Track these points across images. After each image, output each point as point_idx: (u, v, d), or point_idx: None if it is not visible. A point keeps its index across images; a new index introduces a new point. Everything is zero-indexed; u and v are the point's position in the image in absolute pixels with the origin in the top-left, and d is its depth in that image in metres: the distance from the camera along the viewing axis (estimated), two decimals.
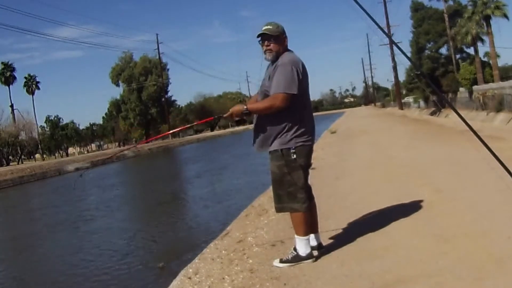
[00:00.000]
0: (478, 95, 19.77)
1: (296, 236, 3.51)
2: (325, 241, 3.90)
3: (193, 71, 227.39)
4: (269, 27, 3.40)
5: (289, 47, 3.52)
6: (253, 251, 4.17)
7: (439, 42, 28.29)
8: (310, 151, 3.51)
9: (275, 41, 3.40)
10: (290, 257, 3.54)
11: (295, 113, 3.37)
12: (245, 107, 3.39)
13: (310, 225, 3.54)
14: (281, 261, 3.58)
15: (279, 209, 3.55)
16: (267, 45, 3.42)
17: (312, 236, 3.61)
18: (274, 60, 3.43)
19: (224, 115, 3.53)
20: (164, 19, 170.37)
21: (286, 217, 4.07)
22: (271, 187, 3.68)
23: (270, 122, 3.40)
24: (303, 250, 3.49)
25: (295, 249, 3.53)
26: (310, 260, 3.49)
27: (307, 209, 3.46)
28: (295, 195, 3.40)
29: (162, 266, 5.80)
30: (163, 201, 12.53)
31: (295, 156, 3.36)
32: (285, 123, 3.36)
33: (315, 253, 3.58)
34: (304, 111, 3.42)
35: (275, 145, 3.40)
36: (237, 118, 3.49)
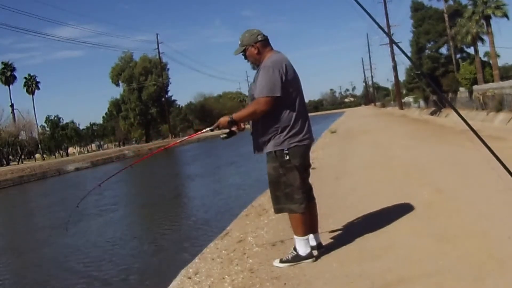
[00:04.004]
0: (478, 95, 19.75)
1: (295, 236, 3.52)
2: (325, 241, 3.89)
3: (193, 71, 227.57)
4: (238, 43, 3.53)
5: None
6: (253, 251, 4.17)
7: (439, 42, 28.28)
8: (305, 151, 3.48)
9: (249, 52, 3.50)
10: (290, 257, 3.54)
11: (286, 114, 3.37)
12: (230, 116, 3.39)
13: (309, 225, 3.53)
14: (281, 261, 3.58)
15: (277, 210, 3.57)
16: (245, 58, 3.56)
17: (311, 236, 3.61)
18: (259, 65, 3.48)
19: (212, 127, 3.55)
20: (164, 19, 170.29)
21: (286, 217, 4.06)
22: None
23: (263, 124, 3.41)
24: (303, 250, 3.49)
25: (295, 249, 3.54)
26: (310, 260, 3.49)
27: (305, 210, 3.45)
28: (292, 196, 3.41)
29: None
30: (165, 199, 12.55)
31: (288, 157, 3.36)
32: (278, 124, 3.37)
33: (315, 252, 3.58)
34: (296, 111, 3.40)
35: (270, 147, 3.41)
36: (225, 130, 3.46)
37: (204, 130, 3.79)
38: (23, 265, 7.65)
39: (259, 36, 3.47)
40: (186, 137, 4.82)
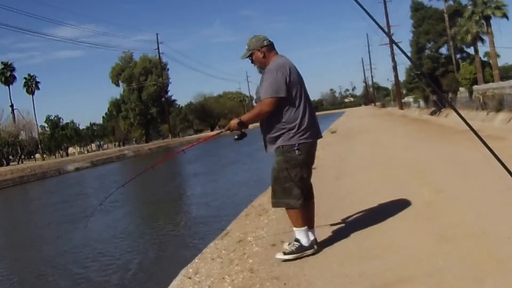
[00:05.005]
0: (478, 95, 19.75)
1: (295, 228, 3.64)
2: (325, 241, 3.91)
3: (193, 71, 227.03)
4: (246, 48, 3.72)
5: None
6: (253, 251, 4.17)
7: (439, 42, 28.27)
8: (312, 147, 3.66)
9: (255, 56, 3.70)
10: (294, 248, 3.63)
11: (293, 113, 3.53)
12: (239, 118, 3.61)
13: (306, 218, 3.67)
14: (285, 254, 3.65)
15: (274, 204, 3.72)
16: (252, 62, 3.75)
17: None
18: (264, 68, 3.68)
19: (224, 130, 3.78)
20: (164, 19, 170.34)
21: (287, 217, 4.07)
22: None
23: (273, 124, 3.57)
24: (305, 240, 3.61)
25: (297, 241, 3.63)
26: (312, 250, 3.61)
27: (302, 205, 3.58)
28: (291, 191, 3.54)
29: None
30: (167, 198, 12.54)
31: (297, 152, 3.52)
32: (286, 123, 3.53)
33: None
34: (302, 109, 3.56)
35: (278, 143, 3.57)
36: (236, 131, 3.64)
37: (217, 132, 4.12)
38: (20, 264, 7.65)
39: (265, 42, 3.68)
40: (208, 135, 5.07)
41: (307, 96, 3.69)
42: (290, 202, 3.55)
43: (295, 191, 3.53)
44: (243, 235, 4.91)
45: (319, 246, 3.75)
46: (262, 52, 3.65)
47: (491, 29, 23.20)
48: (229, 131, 3.70)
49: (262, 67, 3.71)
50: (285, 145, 3.52)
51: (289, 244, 3.71)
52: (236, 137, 3.67)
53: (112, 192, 4.69)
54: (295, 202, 3.54)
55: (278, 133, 3.55)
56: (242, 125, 3.58)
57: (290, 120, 3.52)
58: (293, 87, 3.52)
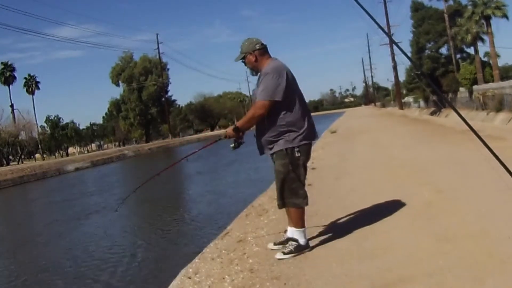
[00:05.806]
0: (478, 95, 19.75)
1: (295, 229, 3.71)
2: (325, 241, 3.91)
3: (193, 71, 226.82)
4: (240, 50, 3.78)
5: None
6: (253, 251, 4.17)
7: (439, 42, 28.28)
8: (310, 149, 3.74)
9: (248, 59, 3.76)
10: (293, 248, 3.69)
11: (292, 115, 3.60)
12: (234, 125, 3.69)
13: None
14: (284, 253, 3.70)
15: (281, 205, 3.75)
16: (245, 64, 3.81)
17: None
18: (258, 71, 3.74)
19: (222, 137, 3.86)
20: (164, 19, 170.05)
21: (287, 217, 4.07)
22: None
23: (272, 126, 3.61)
24: (303, 240, 3.71)
25: (295, 240, 3.70)
26: (308, 249, 3.72)
27: (307, 204, 3.68)
28: (297, 191, 3.63)
29: None
30: (167, 197, 12.54)
31: (298, 154, 3.59)
32: (286, 125, 3.59)
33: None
34: (300, 111, 3.64)
35: (280, 145, 3.62)
36: (233, 138, 3.70)
37: (215, 140, 4.12)
38: (23, 261, 7.66)
39: (257, 45, 3.73)
40: (207, 143, 4.93)
41: (302, 98, 3.75)
42: (297, 201, 3.64)
43: (301, 190, 3.64)
44: (243, 235, 4.91)
45: (324, 250, 3.77)
46: (254, 56, 3.71)
47: (491, 29, 23.23)
48: (226, 138, 3.75)
49: (254, 70, 3.77)
50: (288, 147, 3.58)
51: (288, 244, 3.74)
52: (232, 145, 3.73)
53: (127, 197, 4.97)
54: (301, 201, 3.64)
55: (278, 135, 3.60)
56: (238, 130, 3.65)
57: (290, 123, 3.58)
58: (290, 91, 3.58)
